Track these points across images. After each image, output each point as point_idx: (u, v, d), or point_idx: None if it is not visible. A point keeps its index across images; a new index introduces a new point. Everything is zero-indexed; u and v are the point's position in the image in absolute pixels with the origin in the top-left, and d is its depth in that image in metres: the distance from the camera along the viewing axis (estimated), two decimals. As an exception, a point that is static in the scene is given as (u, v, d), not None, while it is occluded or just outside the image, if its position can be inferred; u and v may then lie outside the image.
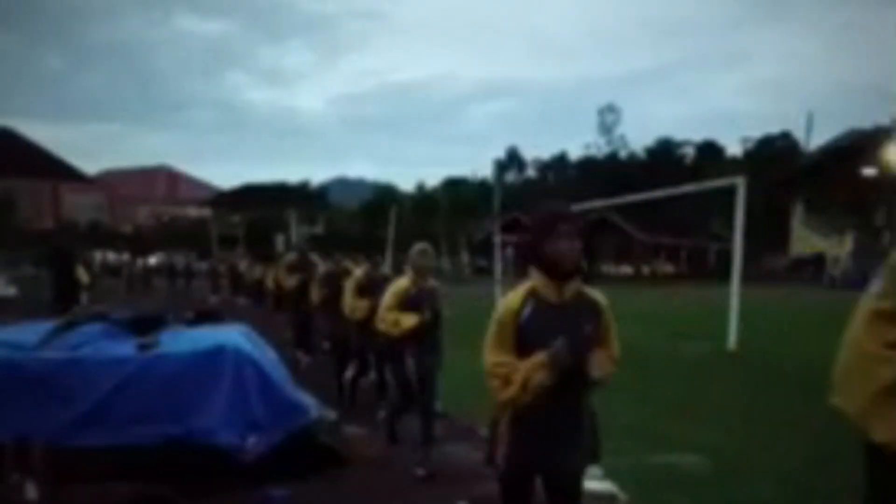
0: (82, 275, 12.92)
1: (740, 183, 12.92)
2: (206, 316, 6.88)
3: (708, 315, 17.50)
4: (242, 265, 23.18)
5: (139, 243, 56.28)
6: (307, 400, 5.95)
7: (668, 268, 54.75)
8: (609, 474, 5.19)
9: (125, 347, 5.34)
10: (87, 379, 4.96)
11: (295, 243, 9.94)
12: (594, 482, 4.90)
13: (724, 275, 17.56)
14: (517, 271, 44.85)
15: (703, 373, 10.58)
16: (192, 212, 68.48)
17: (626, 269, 50.52)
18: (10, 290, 24.19)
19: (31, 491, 4.22)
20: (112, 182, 77.84)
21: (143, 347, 5.32)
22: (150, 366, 5.12)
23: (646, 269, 51.88)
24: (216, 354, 5.26)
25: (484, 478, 5.40)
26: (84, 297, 12.56)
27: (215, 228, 54.90)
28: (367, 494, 5.22)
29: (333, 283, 8.88)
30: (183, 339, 5.63)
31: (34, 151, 63.87)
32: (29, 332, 5.80)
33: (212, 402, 5.10)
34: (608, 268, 51.33)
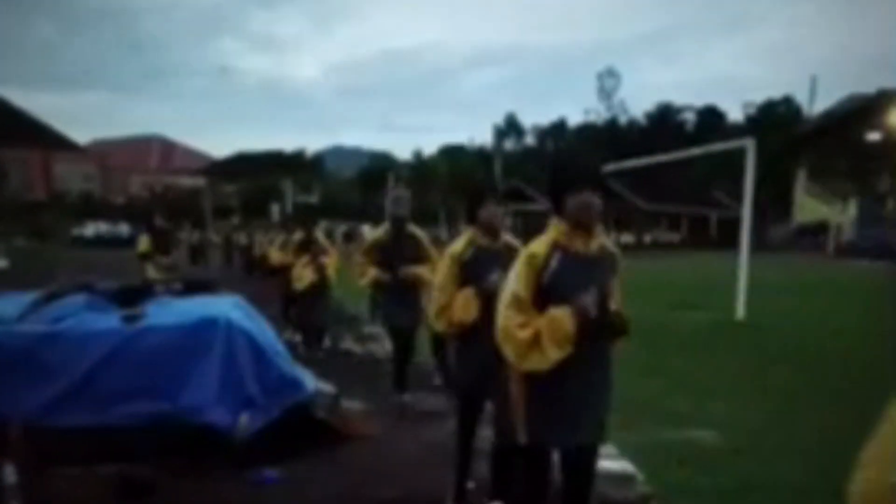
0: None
1: (749, 145, 12.53)
2: (198, 286, 6.54)
3: (712, 284, 17.22)
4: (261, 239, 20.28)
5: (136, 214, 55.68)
6: (304, 374, 5.67)
7: (670, 236, 54.41)
8: (623, 453, 4.92)
9: (109, 320, 5.01)
10: (67, 354, 4.65)
11: (391, 207, 6.94)
12: (609, 461, 4.62)
13: (725, 243, 17.28)
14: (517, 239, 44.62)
15: (712, 344, 10.31)
16: (186, 182, 67.81)
17: (627, 238, 50.10)
18: (3, 262, 23.87)
19: (10, 475, 3.92)
20: (104, 152, 77.10)
21: (127, 320, 5.01)
22: (135, 339, 4.81)
23: (647, 238, 51.56)
24: (206, 326, 4.94)
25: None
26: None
27: (210, 198, 54.50)
28: (366, 473, 4.94)
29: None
30: (171, 311, 5.31)
31: (24, 120, 63.17)
32: (9, 305, 5.48)
33: (202, 378, 4.79)
34: (609, 236, 50.88)
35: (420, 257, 6.34)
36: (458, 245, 4.17)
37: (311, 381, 5.63)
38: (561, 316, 2.81)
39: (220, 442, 4.69)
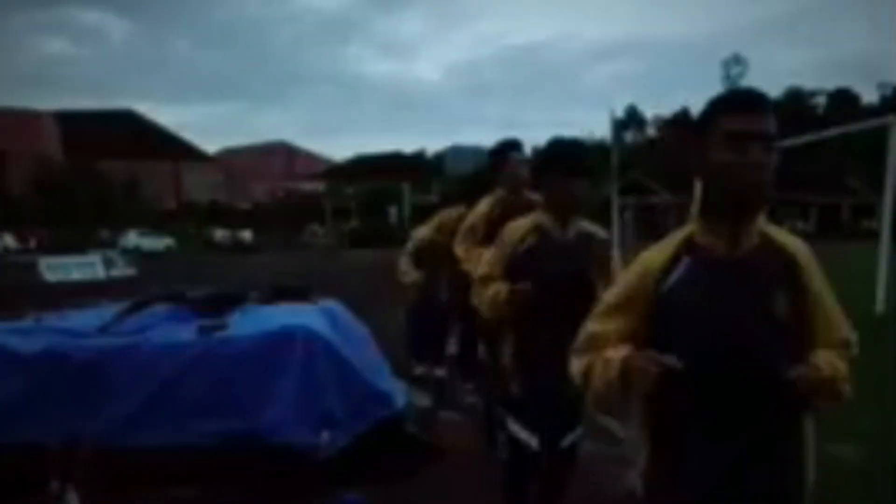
0: None
1: (892, 123, 11.39)
2: (287, 292, 6.18)
3: (849, 277, 15.88)
4: None
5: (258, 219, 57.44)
6: (395, 386, 5.28)
7: (803, 225, 51.60)
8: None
9: (187, 331, 4.77)
10: (140, 368, 4.41)
11: None
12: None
13: (859, 232, 15.91)
14: (637, 235, 43.36)
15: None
16: (307, 186, 69.39)
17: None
18: (131, 271, 24.78)
19: (73, 501, 3.69)
20: (230, 160, 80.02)
21: (204, 330, 4.74)
22: (210, 352, 4.54)
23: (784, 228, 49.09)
24: (284, 337, 4.62)
25: (606, 476, 4.62)
26: None
27: (329, 201, 55.48)
28: (462, 493, 4.50)
29: None
30: (252, 320, 5.02)
31: (156, 133, 66.48)
32: (95, 316, 5.35)
33: (279, 393, 4.47)
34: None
35: None
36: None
37: (402, 394, 5.24)
38: None
39: (301, 462, 4.35)
